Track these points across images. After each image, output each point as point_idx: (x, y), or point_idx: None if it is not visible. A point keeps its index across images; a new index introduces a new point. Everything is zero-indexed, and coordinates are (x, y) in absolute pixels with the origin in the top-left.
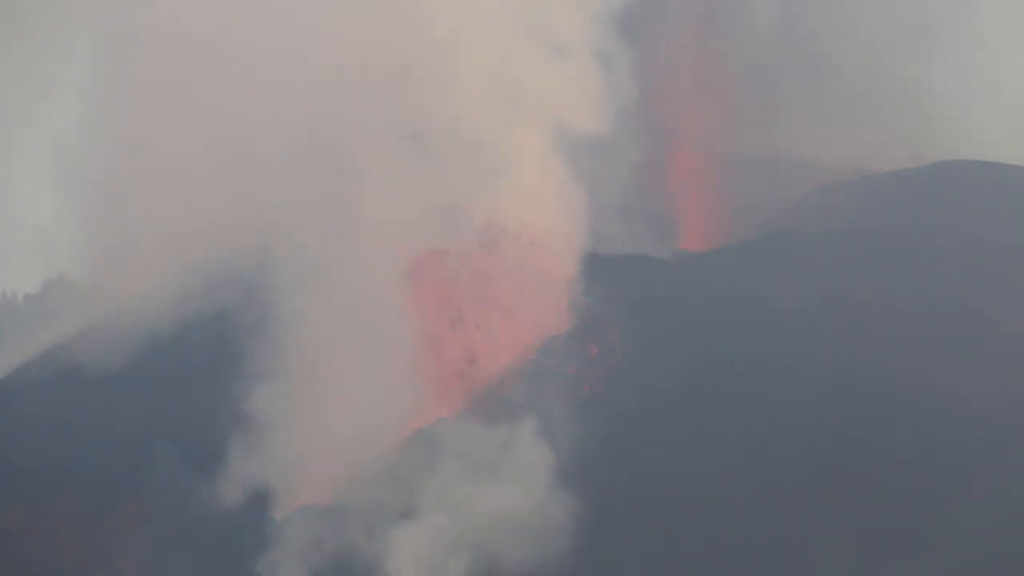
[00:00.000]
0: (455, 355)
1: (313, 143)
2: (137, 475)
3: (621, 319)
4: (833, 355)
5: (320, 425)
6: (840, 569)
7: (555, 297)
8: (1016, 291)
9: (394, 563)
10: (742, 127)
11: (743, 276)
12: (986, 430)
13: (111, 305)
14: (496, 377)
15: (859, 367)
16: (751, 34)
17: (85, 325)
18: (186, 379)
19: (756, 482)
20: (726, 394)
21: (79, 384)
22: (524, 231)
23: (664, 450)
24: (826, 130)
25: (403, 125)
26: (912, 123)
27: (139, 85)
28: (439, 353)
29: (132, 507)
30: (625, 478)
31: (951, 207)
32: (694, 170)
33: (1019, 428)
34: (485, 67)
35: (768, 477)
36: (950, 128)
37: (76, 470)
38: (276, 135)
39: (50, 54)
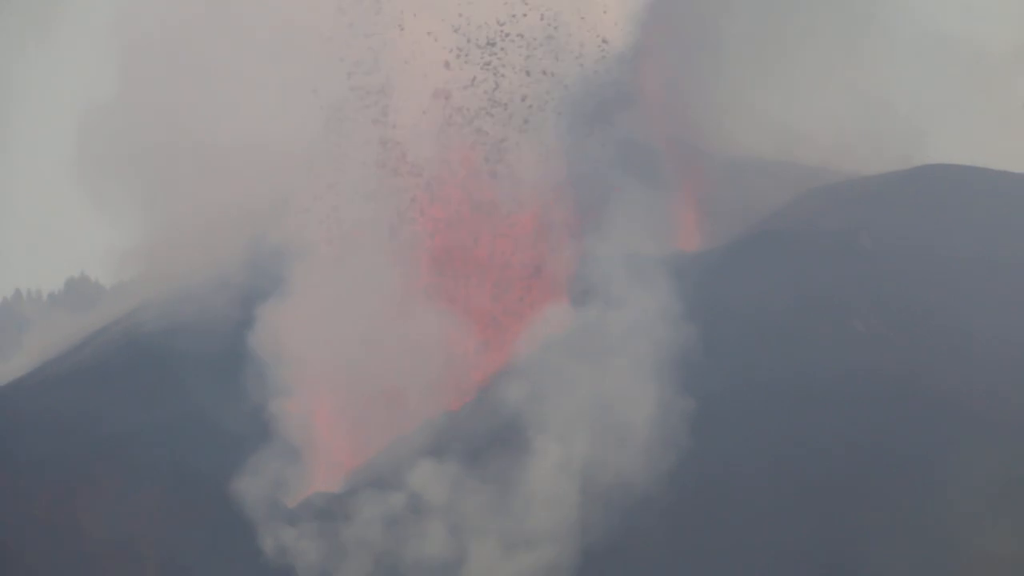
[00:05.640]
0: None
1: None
2: (159, 464)
3: (617, 316)
4: (822, 354)
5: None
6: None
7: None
8: (1003, 293)
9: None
10: (732, 129)
11: (734, 276)
12: (978, 429)
13: (133, 301)
14: (494, 375)
15: (848, 366)
16: (743, 36)
17: (108, 321)
18: (206, 369)
19: (752, 476)
20: (719, 392)
21: (102, 377)
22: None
23: (660, 445)
24: (816, 133)
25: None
26: (900, 126)
27: (175, 69)
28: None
29: (154, 494)
30: (623, 474)
31: (939, 210)
32: (687, 170)
33: (1008, 426)
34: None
35: (764, 471)
36: (937, 132)
37: (100, 460)
38: (309, 116)
39: (80, 38)
